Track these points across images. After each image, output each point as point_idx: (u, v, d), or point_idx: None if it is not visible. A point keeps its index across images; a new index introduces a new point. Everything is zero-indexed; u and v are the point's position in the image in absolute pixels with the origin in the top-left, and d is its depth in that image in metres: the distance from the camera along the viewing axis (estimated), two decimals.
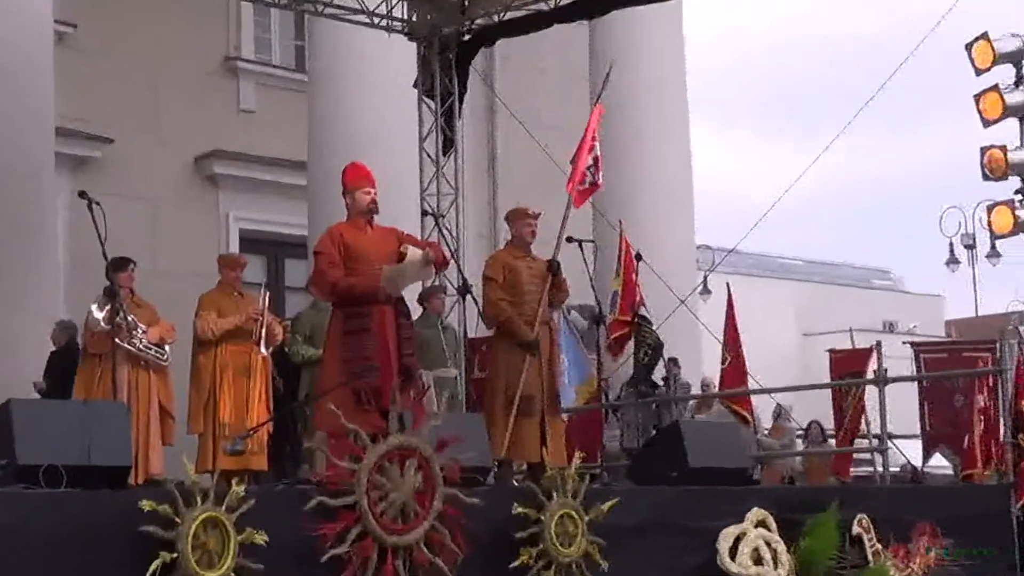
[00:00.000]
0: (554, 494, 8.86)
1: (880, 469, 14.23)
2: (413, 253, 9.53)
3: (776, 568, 9.93)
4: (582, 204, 11.73)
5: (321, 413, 9.14)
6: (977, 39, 18.06)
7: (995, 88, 17.98)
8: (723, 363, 16.35)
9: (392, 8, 15.69)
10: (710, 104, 79.91)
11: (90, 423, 7.69)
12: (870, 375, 15.48)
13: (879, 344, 14.40)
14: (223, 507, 7.27)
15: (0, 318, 14.94)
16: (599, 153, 11.63)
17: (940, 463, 16.06)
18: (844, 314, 30.27)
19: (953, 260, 33.55)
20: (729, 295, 16.29)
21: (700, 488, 10.11)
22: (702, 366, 18.46)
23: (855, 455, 17.27)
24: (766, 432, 18.64)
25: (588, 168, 11.49)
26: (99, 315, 11.30)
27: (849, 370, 16.43)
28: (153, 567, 7.01)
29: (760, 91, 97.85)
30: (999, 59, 18.01)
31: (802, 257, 49.23)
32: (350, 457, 7.99)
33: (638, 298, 15.01)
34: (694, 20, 33.62)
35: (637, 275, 15.10)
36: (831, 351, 17.32)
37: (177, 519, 7.09)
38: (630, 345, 15.10)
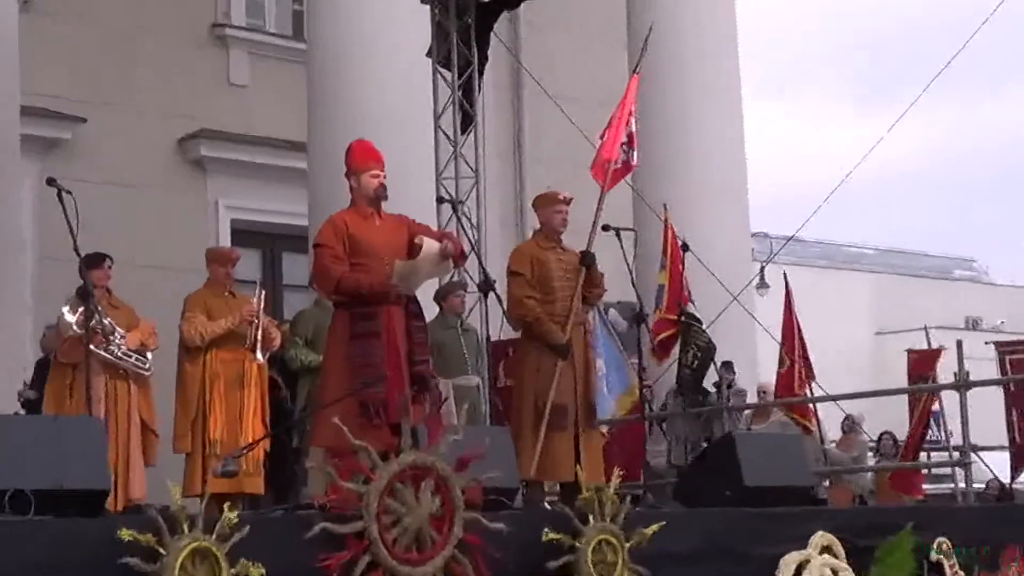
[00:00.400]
0: (591, 518, 8.84)
1: (962, 486, 14.21)
2: (428, 246, 9.54)
3: None
4: (613, 186, 11.72)
5: (321, 428, 9.16)
6: None
7: None
8: (780, 366, 16.35)
9: None
10: (768, 71, 79.76)
11: (62, 442, 7.69)
12: (941, 379, 15.45)
13: (960, 343, 14.35)
14: (214, 536, 7.26)
15: None
16: (635, 128, 11.62)
17: None
18: (922, 310, 30.31)
19: None
20: (788, 288, 16.28)
21: (757, 510, 10.09)
22: (759, 369, 18.42)
23: (932, 470, 17.25)
24: (833, 444, 18.57)
25: (622, 145, 11.47)
26: (71, 318, 11.33)
27: (921, 373, 16.42)
28: None
29: (826, 58, 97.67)
30: None
31: (874, 245, 49.20)
32: (357, 478, 8.01)
33: (686, 293, 15.02)
34: None
35: (684, 267, 15.10)
36: (909, 351, 17.28)
37: (161, 550, 7.08)
38: (677, 348, 15.11)
